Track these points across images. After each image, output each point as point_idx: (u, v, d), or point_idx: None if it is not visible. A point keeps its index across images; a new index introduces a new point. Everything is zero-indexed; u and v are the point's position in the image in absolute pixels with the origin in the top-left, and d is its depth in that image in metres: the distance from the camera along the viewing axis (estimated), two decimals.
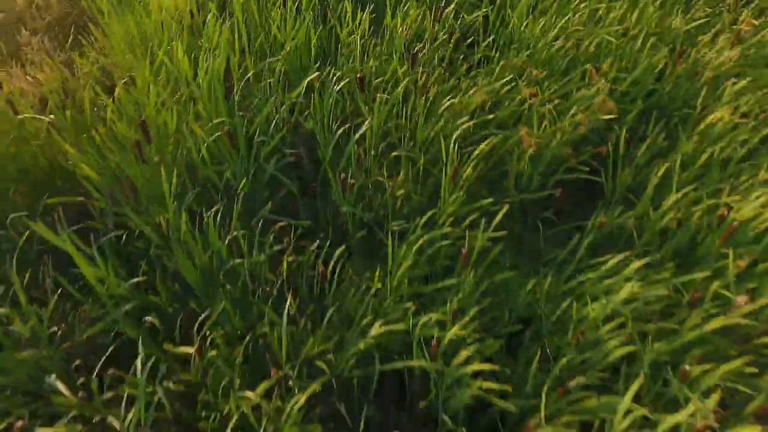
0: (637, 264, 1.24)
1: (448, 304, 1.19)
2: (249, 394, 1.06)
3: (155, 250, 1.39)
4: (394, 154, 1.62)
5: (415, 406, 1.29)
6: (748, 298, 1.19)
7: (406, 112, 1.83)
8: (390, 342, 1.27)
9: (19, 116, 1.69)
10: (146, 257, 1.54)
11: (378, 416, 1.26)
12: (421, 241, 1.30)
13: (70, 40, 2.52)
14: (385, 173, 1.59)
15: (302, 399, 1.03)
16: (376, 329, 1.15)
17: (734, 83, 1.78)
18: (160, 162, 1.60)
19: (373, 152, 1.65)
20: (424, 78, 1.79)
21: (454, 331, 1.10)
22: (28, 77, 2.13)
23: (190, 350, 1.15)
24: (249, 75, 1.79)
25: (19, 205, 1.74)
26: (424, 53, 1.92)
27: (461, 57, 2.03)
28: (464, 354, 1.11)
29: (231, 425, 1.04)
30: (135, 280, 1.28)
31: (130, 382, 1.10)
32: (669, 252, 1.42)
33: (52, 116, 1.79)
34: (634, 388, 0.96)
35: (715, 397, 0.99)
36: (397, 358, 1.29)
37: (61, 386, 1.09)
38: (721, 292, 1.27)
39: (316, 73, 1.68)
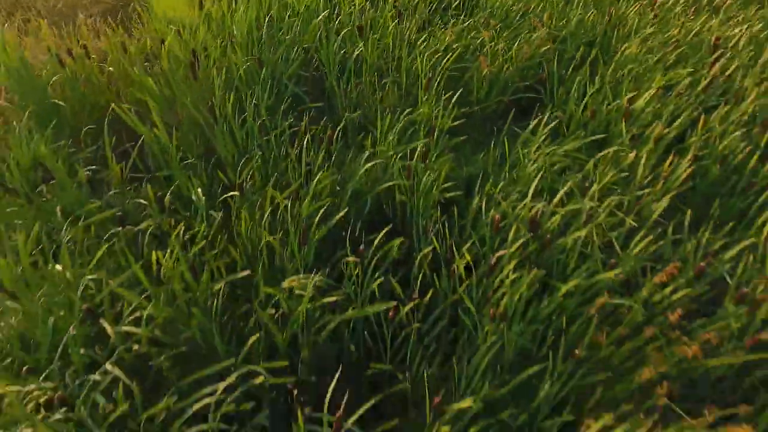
0: (568, 146, 1.73)
1: (418, 148, 1.67)
2: (279, 196, 1.52)
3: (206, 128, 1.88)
4: (384, 81, 2.14)
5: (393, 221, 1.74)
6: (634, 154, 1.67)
7: (394, 54, 2.35)
8: (377, 180, 1.73)
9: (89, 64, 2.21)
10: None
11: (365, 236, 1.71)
12: (402, 122, 1.80)
13: (119, 23, 3.08)
14: (378, 92, 2.10)
15: (313, 206, 1.50)
16: (368, 165, 1.63)
17: (645, 32, 2.32)
18: (209, 77, 2.11)
19: (368, 79, 2.17)
20: (408, 28, 2.33)
21: (420, 163, 1.58)
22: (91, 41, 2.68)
23: (234, 193, 1.62)
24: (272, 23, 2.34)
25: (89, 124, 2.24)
26: (408, 11, 2.47)
27: (438, 18, 2.59)
28: (431, 177, 1.58)
29: (266, 215, 1.49)
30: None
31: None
32: (588, 134, 1.91)
33: (111, 68, 2.33)
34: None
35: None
36: (382, 198, 1.75)
37: None
38: (621, 149, 1.75)
39: (325, 13, 2.22)
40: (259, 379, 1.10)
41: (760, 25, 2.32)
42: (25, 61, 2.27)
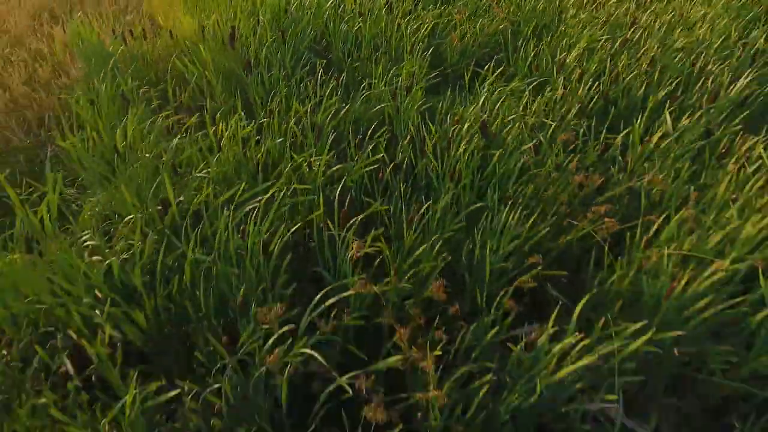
0: (513, 84, 2.34)
1: (402, 81, 2.27)
2: (300, 108, 2.10)
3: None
4: (377, 54, 2.77)
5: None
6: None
7: (386, 35, 3.00)
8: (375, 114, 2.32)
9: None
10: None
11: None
12: (391, 73, 2.41)
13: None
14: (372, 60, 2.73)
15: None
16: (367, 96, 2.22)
17: (581, 16, 2.98)
18: (243, 46, 2.74)
19: (366, 52, 2.80)
20: (397, 16, 2.99)
21: (408, 78, 2.18)
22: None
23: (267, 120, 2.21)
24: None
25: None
26: (399, 3, 3.15)
27: (421, 8, 3.26)
28: (411, 99, 2.17)
29: (291, 123, 2.06)
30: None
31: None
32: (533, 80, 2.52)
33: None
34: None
35: None
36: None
37: None
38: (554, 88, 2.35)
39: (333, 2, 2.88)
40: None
41: (672, 12, 2.99)
42: (100, 39, 2.91)
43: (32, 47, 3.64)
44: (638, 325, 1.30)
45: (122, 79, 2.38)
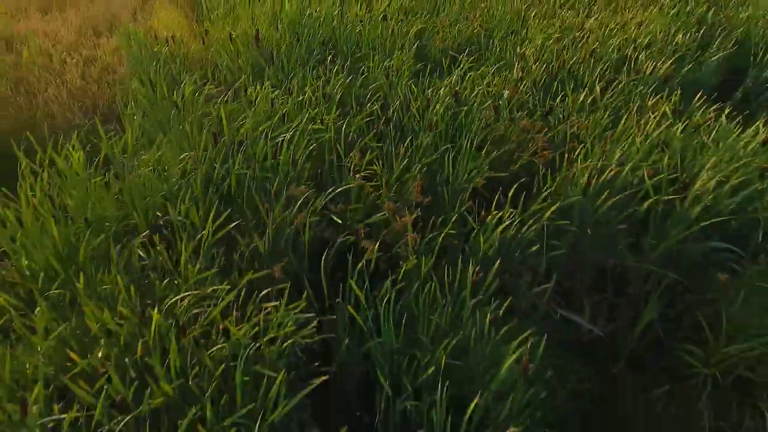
0: (483, 69, 2.96)
1: (394, 64, 2.88)
2: (314, 82, 2.70)
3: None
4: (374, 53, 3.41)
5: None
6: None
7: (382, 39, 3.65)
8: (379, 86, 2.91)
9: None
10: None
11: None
12: (384, 63, 3.03)
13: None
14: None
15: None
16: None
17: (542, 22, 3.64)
18: (265, 46, 3.38)
19: (365, 50, 3.44)
20: (391, 25, 3.65)
21: (400, 60, 2.80)
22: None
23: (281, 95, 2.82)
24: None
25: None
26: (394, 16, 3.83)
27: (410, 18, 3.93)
28: (405, 72, 2.78)
29: (308, 90, 2.65)
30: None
31: None
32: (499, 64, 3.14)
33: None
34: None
35: None
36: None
37: None
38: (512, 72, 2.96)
39: (337, 12, 3.55)
40: None
41: (617, 20, 3.66)
42: (147, 41, 3.56)
43: (83, 54, 4.30)
44: (557, 204, 1.85)
45: (172, 66, 2.99)
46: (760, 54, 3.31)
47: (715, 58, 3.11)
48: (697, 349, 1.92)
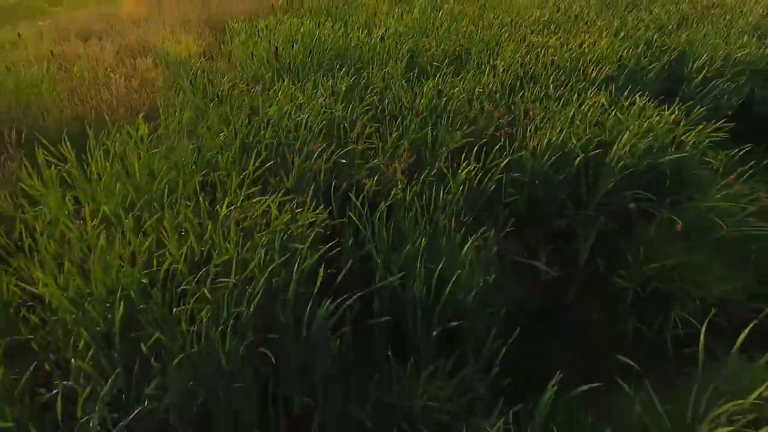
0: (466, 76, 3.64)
1: (389, 68, 3.56)
2: (325, 84, 3.35)
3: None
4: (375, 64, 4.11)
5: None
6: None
7: (381, 55, 4.36)
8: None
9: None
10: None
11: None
12: (381, 70, 3.71)
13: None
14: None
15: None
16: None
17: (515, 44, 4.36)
18: (283, 59, 4.08)
19: (365, 64, 4.13)
20: (389, 45, 4.38)
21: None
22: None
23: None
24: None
25: None
26: (391, 39, 4.56)
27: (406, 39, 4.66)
28: (397, 75, 3.44)
29: (320, 88, 3.31)
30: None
31: None
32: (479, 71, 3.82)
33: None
34: None
35: None
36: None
37: None
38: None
39: (342, 33, 4.28)
40: None
41: (576, 41, 4.38)
42: (182, 59, 4.27)
43: (123, 71, 5.02)
44: (509, 158, 2.45)
45: (207, 73, 3.67)
46: (694, 66, 4.02)
47: (652, 66, 3.81)
48: (624, 272, 2.47)
